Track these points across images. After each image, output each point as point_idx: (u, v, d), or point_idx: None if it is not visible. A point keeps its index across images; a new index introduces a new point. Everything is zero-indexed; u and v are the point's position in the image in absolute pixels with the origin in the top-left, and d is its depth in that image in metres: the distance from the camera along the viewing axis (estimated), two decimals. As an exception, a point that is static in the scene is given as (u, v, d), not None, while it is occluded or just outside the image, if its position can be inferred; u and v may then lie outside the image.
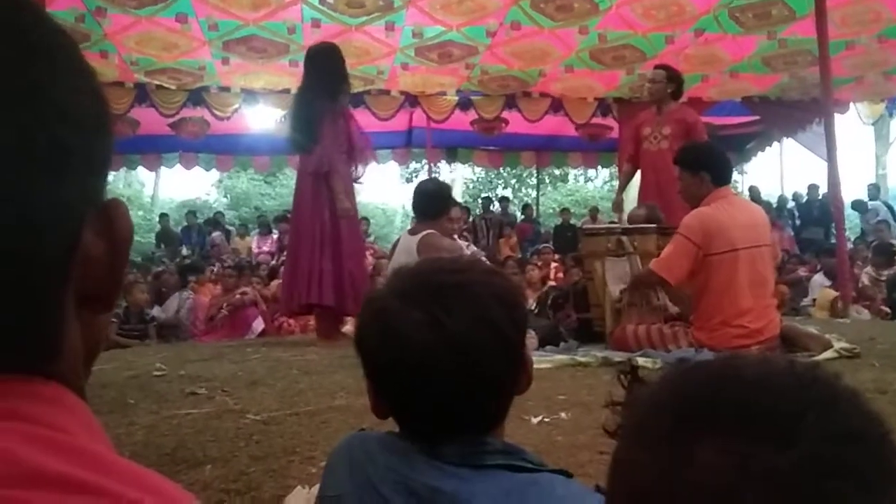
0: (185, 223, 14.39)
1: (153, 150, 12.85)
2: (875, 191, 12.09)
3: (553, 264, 9.64)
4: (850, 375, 3.35)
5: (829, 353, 3.82)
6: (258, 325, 7.16)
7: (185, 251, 12.59)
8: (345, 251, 5.04)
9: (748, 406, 0.51)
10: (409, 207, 14.09)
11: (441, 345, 0.98)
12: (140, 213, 21.77)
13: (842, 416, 0.51)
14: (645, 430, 0.55)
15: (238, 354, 4.60)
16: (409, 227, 4.61)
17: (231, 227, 14.68)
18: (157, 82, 9.84)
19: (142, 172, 19.05)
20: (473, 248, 4.65)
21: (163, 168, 14.60)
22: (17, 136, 0.44)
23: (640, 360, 3.76)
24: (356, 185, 5.34)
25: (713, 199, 3.92)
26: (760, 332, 3.87)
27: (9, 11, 0.47)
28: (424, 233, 4.22)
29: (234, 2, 7.85)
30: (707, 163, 3.98)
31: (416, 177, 21.00)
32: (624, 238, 4.37)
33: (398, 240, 4.65)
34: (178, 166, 13.68)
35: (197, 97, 10.19)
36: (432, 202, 4.39)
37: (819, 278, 8.22)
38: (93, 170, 0.49)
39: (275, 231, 12.47)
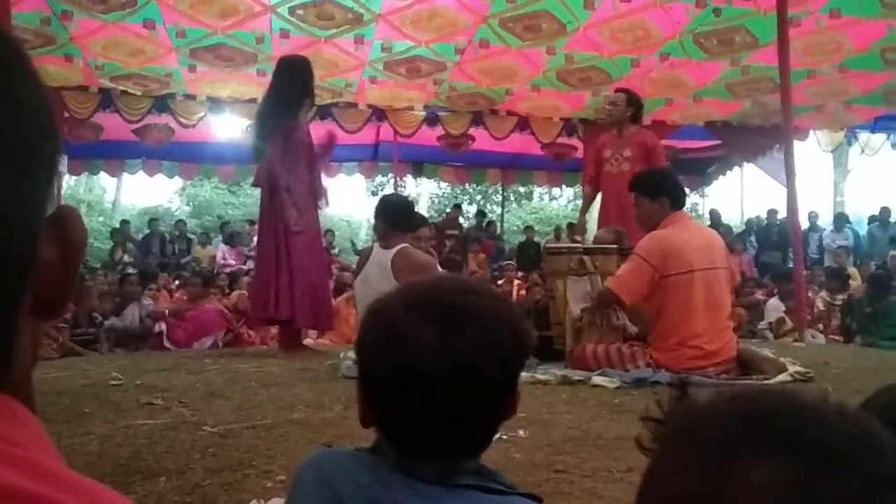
0: (148, 230, 14.21)
1: (116, 155, 12.71)
2: (841, 220, 12.33)
3: (516, 281, 9.70)
4: (803, 399, 3.42)
5: (783, 377, 3.89)
6: (213, 336, 7.11)
7: (155, 259, 12.43)
8: (300, 264, 5.02)
9: (808, 434, 0.52)
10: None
11: (448, 363, 0.97)
12: (101, 218, 21.48)
13: (889, 459, 0.52)
14: (697, 440, 0.55)
15: (196, 365, 4.56)
16: (376, 240, 4.58)
17: (192, 236, 14.53)
18: (123, 88, 9.74)
19: (103, 178, 18.77)
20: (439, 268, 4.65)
21: (125, 174, 14.43)
22: (24, 126, 0.46)
23: (598, 379, 3.81)
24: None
25: (670, 222, 3.99)
26: (716, 353, 3.94)
27: None
28: (399, 246, 4.20)
29: (202, 10, 7.80)
30: (665, 188, 4.06)
31: (382, 190, 20.98)
32: (586, 258, 4.42)
33: (366, 251, 4.63)
34: (141, 173, 13.54)
35: (162, 104, 10.10)
36: (404, 215, 4.39)
37: (775, 302, 8.36)
38: (50, 175, 0.50)
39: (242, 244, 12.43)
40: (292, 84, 5.12)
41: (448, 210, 16.02)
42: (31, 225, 0.48)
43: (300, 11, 7.84)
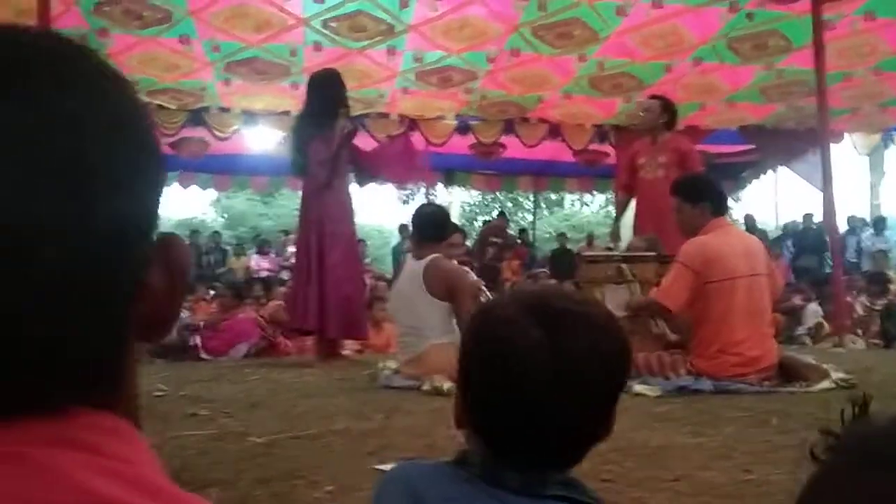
0: (189, 242, 14.36)
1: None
2: (881, 223, 12.17)
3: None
4: (847, 405, 3.38)
5: (826, 384, 3.85)
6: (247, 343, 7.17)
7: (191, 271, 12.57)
8: (332, 276, 5.07)
9: None
10: (407, 227, 14.13)
11: (556, 369, 0.96)
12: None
13: None
14: (874, 456, 0.54)
15: (237, 375, 4.61)
16: (411, 252, 4.62)
17: (228, 247, 14.68)
18: (159, 102, 9.87)
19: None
20: (473, 275, 4.66)
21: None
22: (136, 151, 0.50)
23: (640, 388, 3.79)
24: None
25: (711, 228, 3.97)
26: (758, 360, 3.91)
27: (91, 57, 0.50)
28: (430, 257, 4.23)
29: (237, 24, 7.89)
30: (707, 193, 4.04)
31: (413, 199, 21.04)
32: (624, 266, 4.41)
33: (401, 265, 4.68)
34: (175, 185, 13.69)
35: (197, 117, 10.22)
36: (435, 226, 4.41)
37: (813, 307, 8.26)
38: (156, 195, 0.53)
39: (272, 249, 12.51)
40: (325, 98, 5.20)
41: (493, 217, 16.03)
42: (142, 248, 0.50)
43: (333, 24, 7.90)
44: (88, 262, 0.46)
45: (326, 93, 5.23)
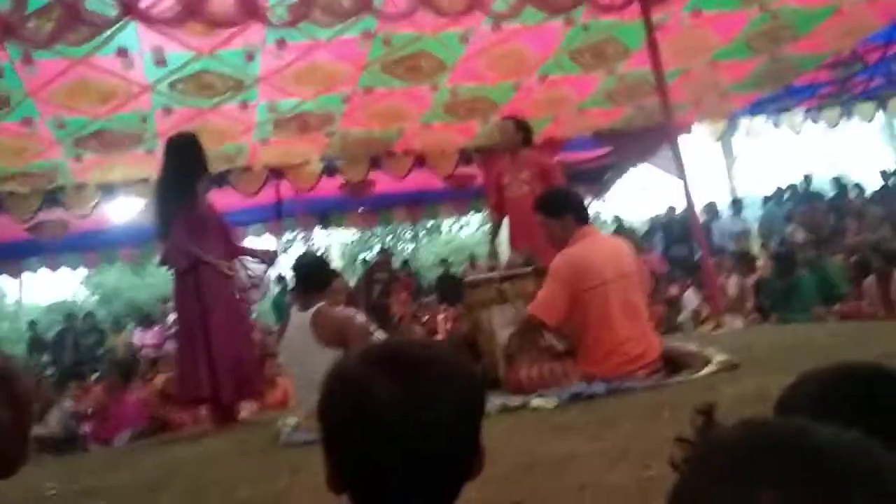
0: (63, 327, 13.68)
1: (13, 256, 12.27)
2: (737, 205, 12.85)
3: (440, 315, 9.74)
4: (732, 386, 3.55)
5: (710, 368, 4.02)
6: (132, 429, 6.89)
7: (65, 358, 11.98)
8: (218, 338, 4.98)
9: (816, 467, 0.56)
10: (285, 278, 13.95)
11: (412, 416, 0.99)
12: (6, 323, 20.61)
13: (889, 484, 0.56)
14: (716, 467, 0.60)
15: (131, 459, 4.44)
16: (295, 304, 4.58)
17: (104, 326, 14.11)
18: (9, 189, 9.45)
19: (3, 280, 18.05)
20: (361, 317, 4.66)
21: (27, 273, 13.93)
22: None
23: (537, 402, 3.86)
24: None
25: (578, 237, 4.12)
26: (642, 356, 4.05)
27: None
28: (316, 307, 4.21)
29: (80, 99, 7.65)
30: (568, 206, 4.19)
31: (291, 246, 20.80)
32: (504, 285, 4.50)
33: (287, 318, 4.62)
34: (44, 269, 13.09)
35: (53, 198, 9.84)
36: (316, 276, 4.39)
37: (690, 294, 8.62)
38: None
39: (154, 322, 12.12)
40: (184, 162, 5.12)
41: (374, 255, 16.01)
42: None
43: (180, 86, 7.77)
44: None
45: (184, 158, 5.15)
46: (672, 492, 0.64)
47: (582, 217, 4.21)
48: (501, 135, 6.18)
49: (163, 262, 5.24)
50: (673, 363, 4.21)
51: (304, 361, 4.19)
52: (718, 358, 4.15)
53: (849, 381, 1.05)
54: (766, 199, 13.69)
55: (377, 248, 23.35)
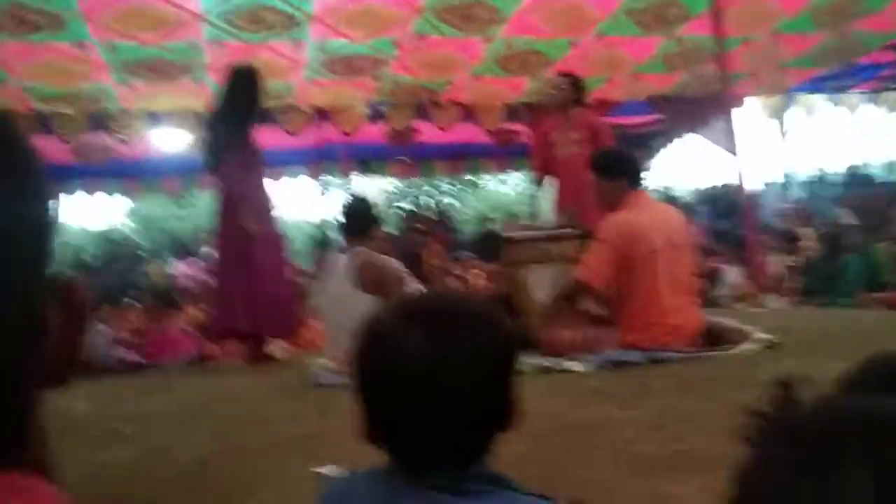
0: (107, 251, 13.83)
1: (56, 178, 12.39)
2: (789, 182, 12.60)
3: (473, 271, 9.68)
4: (772, 365, 3.47)
5: (749, 345, 3.95)
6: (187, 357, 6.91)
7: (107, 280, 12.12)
8: (259, 274, 4.96)
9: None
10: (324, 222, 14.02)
11: (436, 361, 1.01)
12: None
13: None
14: (796, 442, 0.58)
15: (162, 387, 4.48)
16: (338, 247, 4.56)
17: (143, 254, 14.27)
18: (56, 109, 9.50)
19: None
20: (398, 265, 4.62)
21: (64, 195, 14.08)
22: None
23: (571, 365, 3.82)
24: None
25: (629, 202, 4.02)
26: (683, 327, 3.99)
27: None
28: (356, 251, 4.18)
29: (132, 23, 7.62)
30: (623, 168, 4.09)
31: (330, 190, 20.80)
32: (546, 245, 4.43)
33: (325, 260, 4.59)
34: (80, 192, 13.20)
35: (99, 121, 9.88)
36: (358, 220, 4.35)
37: (733, 269, 8.48)
38: (44, 241, 0.50)
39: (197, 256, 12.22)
40: (244, 94, 5.07)
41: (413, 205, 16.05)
42: (35, 295, 0.47)
43: (233, 17, 7.71)
44: None
45: (244, 90, 5.10)
46: (747, 472, 0.61)
47: (636, 182, 4.12)
48: (556, 90, 6.04)
49: (214, 171, 5.16)
50: (712, 337, 4.14)
51: (339, 304, 4.18)
52: (759, 336, 4.08)
53: None
54: (815, 180, 13.39)
55: (418, 198, 23.39)
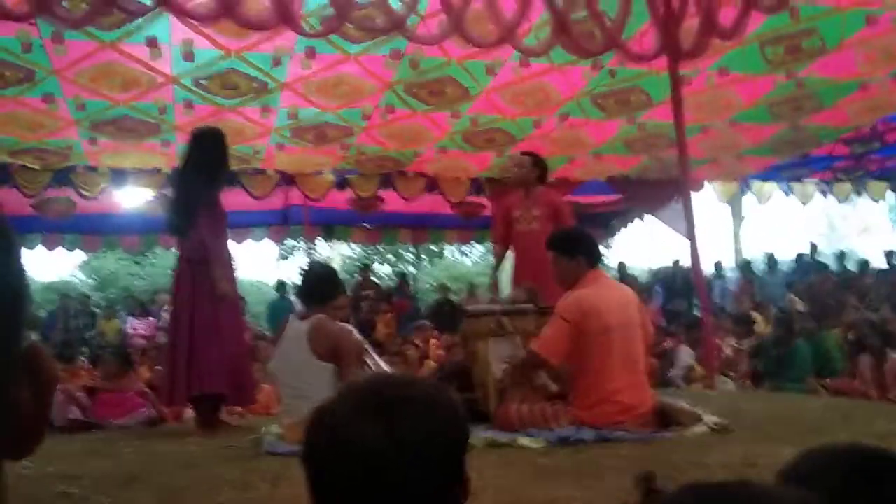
0: (57, 307, 13.56)
1: (17, 231, 12.22)
2: (745, 266, 12.88)
3: (432, 341, 9.69)
4: (721, 450, 3.53)
5: (699, 428, 4.00)
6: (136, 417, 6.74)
7: (55, 337, 11.86)
8: (226, 337, 4.94)
9: None
10: (285, 283, 13.94)
11: (392, 455, 1.01)
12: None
13: None
14: None
15: (111, 448, 4.40)
16: (297, 313, 4.55)
17: (97, 310, 14.04)
18: (21, 162, 9.48)
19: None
20: (357, 335, 4.62)
21: (24, 249, 13.88)
22: None
23: (524, 440, 3.84)
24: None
25: (587, 280, 4.10)
26: (635, 407, 4.03)
27: None
28: (315, 318, 4.18)
29: (103, 82, 7.69)
30: (582, 247, 4.18)
31: (293, 254, 20.78)
32: (504, 319, 4.48)
33: (284, 324, 4.58)
34: (41, 247, 13.06)
35: (63, 177, 9.86)
36: (321, 287, 4.37)
37: (685, 350, 8.59)
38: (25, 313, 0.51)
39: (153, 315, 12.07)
40: (210, 156, 5.10)
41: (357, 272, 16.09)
42: (6, 367, 0.48)
43: (204, 82, 7.81)
44: None
45: (210, 152, 5.13)
46: None
47: (594, 260, 4.21)
48: (518, 168, 6.19)
49: (177, 233, 5.13)
50: (664, 418, 4.19)
51: (295, 370, 4.17)
52: (709, 419, 4.14)
53: (857, 463, 1.05)
54: (767, 265, 13.70)
55: (377, 265, 23.40)
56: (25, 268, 0.49)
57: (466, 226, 13.85)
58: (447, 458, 1.07)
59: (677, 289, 12.70)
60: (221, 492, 3.06)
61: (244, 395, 5.27)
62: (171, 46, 7.10)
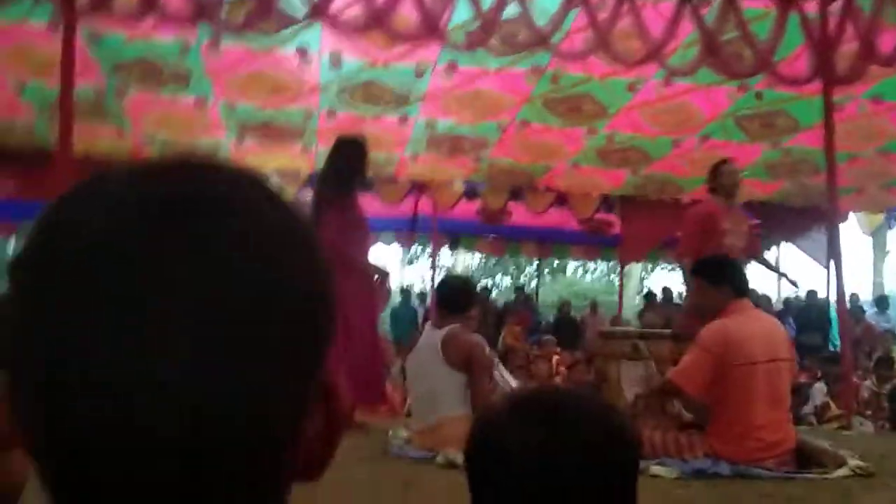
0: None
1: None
2: (884, 302, 12.23)
3: (555, 357, 9.61)
4: (867, 496, 3.35)
5: (843, 471, 3.81)
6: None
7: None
8: (352, 341, 5.02)
9: None
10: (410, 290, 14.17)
11: (552, 467, 1.00)
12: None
13: None
14: None
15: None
16: (430, 321, 4.62)
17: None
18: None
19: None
20: (488, 348, 4.63)
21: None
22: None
23: (657, 469, 3.74)
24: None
25: (732, 310, 3.95)
26: (777, 445, 3.87)
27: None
28: (450, 327, 4.23)
29: (254, 88, 8.02)
30: (729, 276, 4.04)
31: (417, 260, 21.05)
32: (640, 342, 4.41)
33: (419, 334, 4.66)
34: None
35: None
36: (460, 297, 4.41)
37: (819, 386, 8.19)
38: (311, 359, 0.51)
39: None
40: (348, 162, 5.23)
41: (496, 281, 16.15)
42: (301, 395, 0.50)
43: (349, 90, 8.03)
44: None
45: (349, 159, 5.26)
46: None
47: (741, 290, 4.06)
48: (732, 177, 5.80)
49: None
50: (804, 457, 4.01)
51: (427, 377, 4.23)
52: (853, 462, 3.93)
53: None
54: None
55: (499, 276, 23.43)
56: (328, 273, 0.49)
57: (592, 242, 13.70)
58: (602, 478, 1.02)
59: (811, 321, 12.14)
60: (356, 498, 3.12)
61: (374, 396, 5.35)
62: (321, 55, 7.33)
